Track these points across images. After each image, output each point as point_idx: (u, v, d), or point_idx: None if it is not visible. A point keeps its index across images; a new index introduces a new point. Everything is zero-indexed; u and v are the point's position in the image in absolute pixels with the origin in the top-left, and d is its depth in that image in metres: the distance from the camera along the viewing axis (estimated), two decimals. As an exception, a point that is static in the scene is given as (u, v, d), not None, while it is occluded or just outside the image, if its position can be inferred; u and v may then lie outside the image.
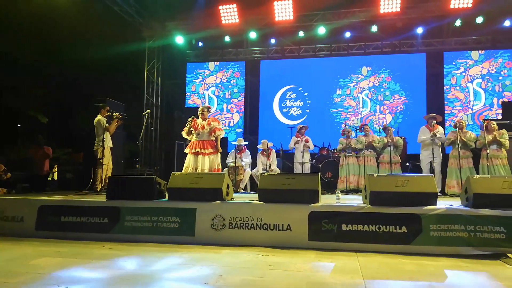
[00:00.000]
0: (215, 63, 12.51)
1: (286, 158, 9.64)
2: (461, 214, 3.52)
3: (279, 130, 11.26)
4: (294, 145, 8.29)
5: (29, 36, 14.13)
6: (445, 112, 10.73)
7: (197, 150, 6.14)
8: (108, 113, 6.88)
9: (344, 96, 11.54)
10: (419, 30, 10.76)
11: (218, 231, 3.92)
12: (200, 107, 6.62)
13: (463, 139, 6.92)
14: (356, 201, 4.44)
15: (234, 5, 10.14)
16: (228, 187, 4.39)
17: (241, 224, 3.90)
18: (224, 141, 9.51)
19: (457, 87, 10.92)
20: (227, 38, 11.52)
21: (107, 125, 6.74)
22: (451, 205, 3.80)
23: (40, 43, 14.23)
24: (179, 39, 11.33)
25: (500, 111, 10.21)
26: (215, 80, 12.47)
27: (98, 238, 4.06)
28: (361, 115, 11.36)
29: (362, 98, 11.44)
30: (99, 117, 6.78)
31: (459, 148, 6.87)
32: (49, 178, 8.40)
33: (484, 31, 10.57)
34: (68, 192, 6.49)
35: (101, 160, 6.48)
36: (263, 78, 12.23)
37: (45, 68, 14.74)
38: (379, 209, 3.68)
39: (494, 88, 10.63)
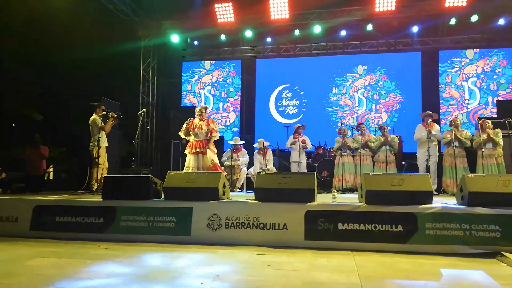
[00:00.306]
0: (211, 62, 12.49)
1: (282, 157, 9.64)
2: (456, 213, 3.53)
3: (275, 129, 11.26)
4: (291, 145, 8.30)
5: (23, 35, 14.03)
6: (441, 110, 10.78)
7: (197, 150, 6.16)
8: (103, 112, 6.85)
9: (340, 95, 11.56)
10: (415, 29, 10.80)
11: (214, 231, 3.92)
12: (198, 108, 6.61)
13: (460, 137, 6.94)
14: (352, 200, 4.44)
15: (230, 4, 10.12)
16: (224, 186, 4.39)
17: (238, 224, 3.89)
18: (221, 140, 9.49)
19: (452, 86, 10.97)
20: (222, 37, 11.51)
21: (102, 124, 6.71)
22: (446, 203, 3.81)
23: (34, 41, 14.12)
24: (175, 38, 11.30)
25: (495, 110, 10.29)
26: (211, 79, 12.44)
27: (93, 238, 4.04)
28: (357, 114, 11.39)
29: (358, 97, 11.47)
30: (94, 116, 6.75)
31: (454, 147, 6.89)
32: (45, 178, 8.35)
33: (479, 29, 10.62)
34: (63, 192, 6.46)
35: (96, 160, 6.46)
36: (259, 77, 12.22)
37: (39, 67, 14.64)
38: (375, 208, 3.68)
39: (489, 86, 10.69)
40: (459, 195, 3.85)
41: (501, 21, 10.01)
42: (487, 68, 10.77)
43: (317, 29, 10.72)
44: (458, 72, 10.96)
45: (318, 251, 3.52)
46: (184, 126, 6.31)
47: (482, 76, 10.78)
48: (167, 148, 9.61)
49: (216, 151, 6.53)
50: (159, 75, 12.20)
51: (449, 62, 11.04)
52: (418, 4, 10.06)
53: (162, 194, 4.51)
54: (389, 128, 7.98)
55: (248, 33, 11.11)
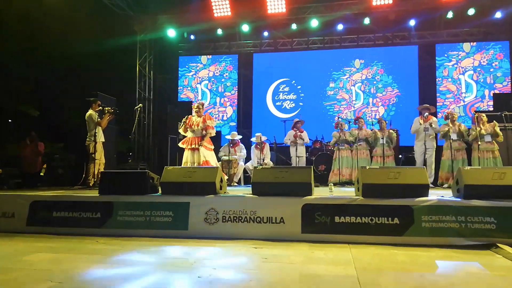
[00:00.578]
0: (208, 56, 12.44)
1: (279, 152, 9.65)
2: (452, 205, 3.55)
3: (272, 124, 11.26)
4: (290, 142, 8.30)
5: (18, 30, 13.92)
6: (437, 104, 10.79)
7: (192, 146, 6.32)
8: (100, 107, 6.82)
9: (337, 89, 11.55)
10: (412, 23, 10.78)
11: (211, 225, 3.93)
12: (196, 104, 6.74)
13: (461, 130, 6.95)
14: (349, 193, 4.46)
15: (226, -2, 10.06)
16: (221, 180, 4.39)
17: (235, 218, 3.90)
18: (218, 135, 9.50)
19: (449, 79, 10.98)
20: (219, 31, 11.44)
21: (98, 119, 6.69)
22: (442, 196, 3.83)
23: (30, 36, 14.02)
24: (171, 32, 11.23)
25: (491, 103, 10.31)
26: (208, 74, 12.41)
27: (90, 233, 4.04)
28: (354, 107, 11.39)
29: (355, 90, 11.46)
30: (90, 111, 6.72)
31: (451, 140, 6.91)
32: (41, 174, 8.32)
33: (475, 23, 10.61)
34: (60, 187, 6.46)
35: (93, 155, 6.44)
36: (256, 71, 12.19)
37: (35, 62, 14.54)
38: (372, 201, 3.70)
39: (486, 80, 10.71)
40: (455, 187, 3.87)
41: (498, 14, 9.99)
42: (483, 62, 10.78)
43: (314, 23, 10.68)
44: (455, 66, 10.96)
45: (315, 244, 3.54)
46: (182, 124, 6.46)
47: (479, 69, 10.79)
48: (164, 143, 9.60)
49: (212, 147, 6.61)
50: (155, 70, 12.14)
51: (446, 55, 11.04)
52: (415, -2, 10.04)
53: (159, 189, 4.52)
54: (386, 121, 7.99)
55: (245, 27, 11.06)
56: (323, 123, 10.90)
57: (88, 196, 4.44)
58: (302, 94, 11.75)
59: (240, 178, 8.23)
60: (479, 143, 6.63)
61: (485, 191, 3.58)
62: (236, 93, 12.23)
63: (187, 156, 6.39)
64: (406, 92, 11.13)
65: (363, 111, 11.29)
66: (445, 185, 6.95)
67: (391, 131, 7.75)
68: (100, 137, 6.71)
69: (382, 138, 7.49)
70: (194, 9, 10.74)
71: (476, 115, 7.04)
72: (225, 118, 12.17)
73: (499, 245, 3.30)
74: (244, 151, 8.49)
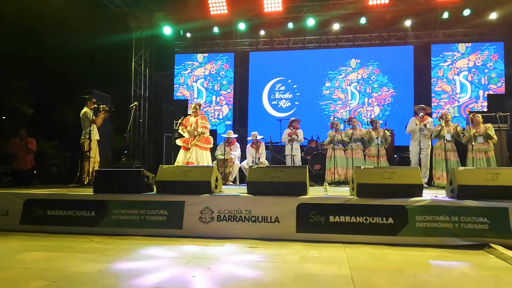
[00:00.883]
0: (204, 54, 12.41)
1: (275, 151, 9.65)
2: (446, 205, 3.58)
3: (268, 123, 11.25)
4: (288, 141, 8.30)
5: (13, 27, 13.79)
6: (432, 104, 10.84)
7: (189, 146, 6.54)
8: (95, 105, 6.79)
9: (333, 89, 11.57)
10: (407, 23, 10.81)
11: (206, 224, 3.92)
12: (193, 104, 6.90)
13: (456, 130, 6.98)
14: (344, 193, 4.47)
15: (223, -5, 10.04)
16: (216, 180, 4.39)
17: (230, 217, 3.90)
18: (213, 133, 9.49)
19: (444, 80, 11.04)
20: (215, 29, 11.44)
21: (93, 117, 6.66)
22: (436, 196, 3.85)
23: (24, 33, 13.90)
24: (167, 30, 11.19)
25: (485, 104, 10.38)
26: (204, 72, 12.37)
27: (84, 232, 4.03)
28: (349, 107, 11.42)
29: (351, 90, 11.49)
30: (85, 109, 6.69)
31: (445, 141, 6.94)
32: (36, 172, 8.25)
33: (471, 24, 10.67)
34: (54, 185, 6.42)
35: (88, 153, 6.41)
36: (252, 70, 12.18)
37: (29, 59, 14.44)
38: (366, 201, 3.72)
39: (480, 80, 10.77)
40: (449, 188, 3.90)
41: (493, 15, 10.05)
42: (478, 62, 10.84)
43: (310, 22, 10.69)
44: (450, 66, 11.02)
45: (310, 243, 3.55)
46: (179, 123, 6.68)
47: (474, 70, 10.85)
48: (160, 141, 9.57)
49: (209, 146, 6.75)
50: (151, 68, 12.11)
51: (441, 56, 11.09)
52: (411, -2, 10.07)
53: (154, 188, 4.51)
54: (381, 121, 8.01)
55: (241, 26, 11.05)
56: (318, 122, 10.92)
57: (83, 194, 4.42)
58: (298, 93, 11.76)
59: (235, 177, 8.23)
60: (473, 144, 6.66)
61: (479, 192, 3.61)
62: (232, 92, 12.21)
63: (179, 155, 6.61)
64: (402, 92, 11.18)
65: (359, 111, 11.33)
66: (437, 184, 6.97)
67: (385, 131, 7.78)
68: (95, 135, 6.68)
69: (377, 138, 7.52)
70: (191, 7, 10.71)
71: (471, 115, 7.07)
72: (221, 116, 12.15)
73: (492, 245, 3.33)
74: (239, 149, 8.48)
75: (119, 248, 3.40)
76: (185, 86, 12.39)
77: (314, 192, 4.31)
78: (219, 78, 12.30)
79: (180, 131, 6.82)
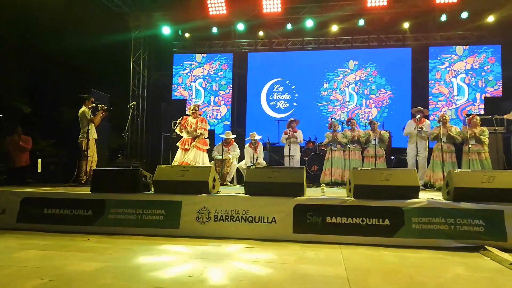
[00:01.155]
0: (203, 54, 12.41)
1: (273, 151, 9.67)
2: (442, 207, 3.60)
3: (266, 123, 11.27)
4: (285, 140, 8.31)
5: (12, 26, 13.75)
6: (430, 106, 10.88)
7: (186, 146, 6.58)
8: (93, 104, 6.77)
9: (331, 90, 11.60)
10: (406, 25, 10.84)
11: (203, 224, 3.93)
12: (192, 106, 6.91)
13: (451, 133, 7.01)
14: (341, 194, 4.48)
15: (222, -4, 10.04)
16: (214, 180, 4.40)
17: (227, 217, 3.91)
18: (212, 134, 9.50)
19: (442, 82, 11.08)
20: (214, 30, 11.44)
21: (92, 116, 6.65)
22: (432, 198, 3.87)
23: (23, 32, 13.87)
24: (166, 30, 11.18)
25: (482, 106, 10.43)
26: (202, 72, 12.38)
27: (82, 231, 4.03)
28: (347, 109, 11.45)
29: (349, 92, 11.52)
30: (83, 108, 6.67)
31: (442, 143, 6.97)
32: (29, 170, 8.19)
33: (468, 26, 10.72)
34: (52, 184, 6.41)
35: (85, 152, 6.40)
36: (251, 70, 12.19)
37: (28, 58, 14.40)
38: (363, 202, 3.74)
39: (477, 83, 10.82)
40: (445, 190, 3.92)
41: (490, 18, 10.09)
42: (476, 65, 10.89)
43: (309, 23, 10.71)
44: (448, 69, 11.06)
45: (306, 244, 3.56)
46: (177, 123, 6.66)
47: (471, 72, 10.90)
48: (158, 141, 9.57)
49: (206, 148, 6.78)
50: (149, 67, 12.11)
51: (439, 58, 11.14)
52: (410, 0, 10.09)
53: (152, 187, 4.51)
54: (378, 123, 8.03)
55: (240, 26, 11.06)
56: (316, 123, 10.94)
57: (80, 193, 4.42)
58: (296, 94, 11.78)
59: (233, 178, 8.23)
60: (469, 146, 6.70)
61: (475, 194, 3.63)
62: (231, 92, 12.22)
63: (177, 155, 6.64)
64: (399, 94, 11.21)
65: (356, 112, 11.35)
66: (436, 187, 7.00)
67: (383, 131, 7.80)
68: (93, 134, 6.67)
69: (375, 140, 7.54)
70: (190, 7, 10.71)
71: (469, 118, 7.11)
72: (219, 117, 12.15)
73: (487, 247, 3.35)
74: (237, 150, 8.48)
75: (116, 248, 3.41)
76: (183, 86, 12.39)
77: (311, 193, 4.33)
78: (217, 78, 12.31)
79: (177, 131, 6.82)
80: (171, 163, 7.16)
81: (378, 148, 7.56)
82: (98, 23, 12.14)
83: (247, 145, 8.44)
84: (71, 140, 7.00)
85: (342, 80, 11.57)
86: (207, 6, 10.12)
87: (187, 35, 11.95)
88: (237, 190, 4.78)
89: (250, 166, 4.50)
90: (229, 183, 7.94)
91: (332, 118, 9.30)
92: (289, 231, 3.75)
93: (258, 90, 12.04)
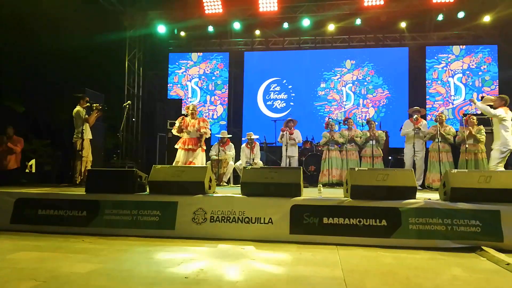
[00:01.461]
0: (198, 53, 12.36)
1: (269, 152, 9.64)
2: (439, 208, 3.59)
3: (263, 123, 11.23)
4: (281, 139, 8.30)
5: (4, 25, 13.63)
6: (427, 106, 10.89)
7: (189, 146, 6.59)
8: (88, 104, 6.73)
9: (328, 90, 11.59)
10: (403, 24, 10.85)
11: (199, 225, 3.90)
12: (191, 106, 6.93)
13: (443, 132, 7.04)
14: (338, 194, 4.47)
15: (218, -6, 10.00)
16: (210, 180, 4.37)
17: (223, 218, 3.89)
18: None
19: (439, 82, 11.10)
20: (210, 28, 11.36)
21: (86, 116, 6.60)
22: (429, 199, 3.87)
23: (16, 31, 13.74)
24: (161, 29, 11.11)
25: (479, 106, 10.43)
26: (198, 71, 12.33)
27: (76, 232, 3.99)
28: (344, 108, 11.44)
29: (346, 91, 11.52)
30: (78, 108, 6.63)
31: (439, 142, 6.98)
32: (27, 171, 8.13)
33: (465, 26, 10.75)
34: (46, 184, 6.36)
35: (80, 152, 6.35)
36: (247, 70, 12.16)
37: (21, 57, 14.27)
38: (360, 203, 3.72)
39: (474, 83, 10.85)
40: (442, 190, 3.91)
41: (487, 18, 10.12)
42: (472, 65, 10.92)
43: (305, 22, 10.69)
44: (445, 68, 11.08)
45: (303, 245, 3.54)
46: (177, 124, 6.64)
47: (468, 72, 10.93)
48: (153, 141, 9.52)
49: (205, 148, 6.79)
50: (145, 67, 12.01)
51: (436, 58, 11.16)
52: (406, -1, 10.12)
53: (147, 188, 4.48)
54: (376, 123, 8.03)
55: (237, 25, 11.01)
56: (313, 123, 10.92)
57: (75, 194, 4.37)
58: (293, 94, 11.76)
59: (229, 178, 8.20)
60: (466, 145, 6.72)
61: (471, 194, 3.62)
62: (227, 92, 12.18)
63: (179, 155, 6.58)
64: (396, 93, 11.22)
65: (354, 112, 11.35)
66: (433, 187, 7.01)
67: (380, 132, 7.80)
68: (88, 134, 6.62)
69: (372, 140, 7.54)
70: (185, 6, 10.65)
71: (466, 117, 7.12)
72: (215, 116, 12.12)
73: (483, 248, 3.34)
74: (233, 150, 8.46)
75: (111, 249, 3.38)
76: (179, 86, 12.34)
77: (308, 194, 4.31)
78: (213, 78, 12.26)
79: (175, 132, 6.75)
80: (167, 164, 7.12)
81: (376, 148, 7.57)
82: (92, 22, 12.03)
83: (243, 145, 8.41)
84: (66, 140, 6.95)
85: (339, 79, 11.57)
86: (203, 5, 10.07)
87: (182, 34, 11.86)
88: (234, 191, 4.75)
89: (246, 166, 4.47)
90: (225, 184, 7.92)
91: (329, 118, 9.28)
92: (286, 232, 3.73)
93: (254, 89, 12.01)
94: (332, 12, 10.49)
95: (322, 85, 11.62)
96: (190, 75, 12.34)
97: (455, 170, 3.86)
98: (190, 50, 12.38)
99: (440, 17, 10.36)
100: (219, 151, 7.93)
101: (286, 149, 8.04)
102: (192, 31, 11.70)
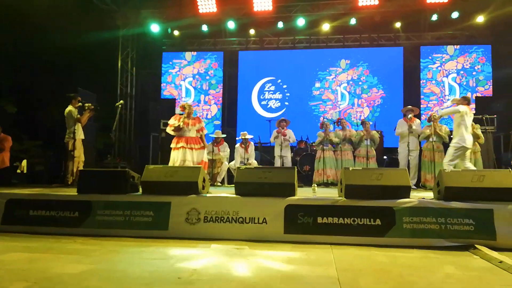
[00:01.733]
0: (192, 53, 12.30)
1: (264, 151, 9.63)
2: (432, 207, 3.59)
3: (257, 123, 11.22)
4: (274, 139, 8.29)
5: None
6: (421, 106, 10.94)
7: (196, 146, 6.55)
8: (80, 103, 6.67)
9: (323, 89, 11.60)
10: (397, 24, 10.89)
11: (192, 225, 3.87)
12: (187, 106, 6.84)
13: (439, 132, 7.05)
14: (332, 194, 4.46)
15: (212, -7, 9.97)
16: (204, 180, 4.34)
17: (217, 218, 3.86)
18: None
19: (433, 82, 11.15)
20: (204, 28, 11.32)
21: (78, 116, 6.54)
22: (423, 198, 3.87)
23: (7, 30, 13.60)
24: (154, 28, 11.05)
25: (473, 106, 10.50)
26: (192, 71, 12.27)
27: (68, 233, 3.94)
28: (339, 108, 11.46)
29: (341, 91, 11.53)
30: (70, 107, 6.56)
31: (433, 142, 7.01)
32: (19, 171, 8.04)
33: (459, 26, 10.81)
34: (38, 185, 6.29)
35: (72, 153, 6.29)
36: (242, 69, 12.13)
37: (13, 56, 14.13)
38: (354, 202, 3.71)
39: (468, 83, 10.92)
40: (436, 189, 3.92)
41: (481, 19, 10.18)
42: (466, 65, 10.98)
43: (300, 21, 10.69)
44: (439, 68, 11.14)
45: (297, 244, 3.53)
46: (177, 123, 6.49)
47: (462, 72, 10.99)
48: (146, 141, 9.47)
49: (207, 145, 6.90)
50: (138, 66, 11.94)
51: (430, 57, 11.21)
52: (401, -1, 10.16)
53: (140, 188, 4.44)
54: (370, 123, 8.05)
55: (231, 24, 10.99)
56: (308, 123, 10.92)
57: (66, 194, 4.32)
58: (288, 94, 11.76)
59: (223, 178, 8.18)
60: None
61: (465, 193, 3.63)
62: (221, 91, 12.15)
63: (184, 154, 6.41)
64: (391, 93, 11.26)
65: (348, 112, 11.37)
66: (427, 186, 7.03)
67: (374, 132, 7.82)
68: (80, 134, 6.56)
69: (366, 140, 7.55)
70: (179, 5, 10.60)
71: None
72: (209, 116, 12.07)
73: (477, 246, 3.35)
74: (228, 150, 8.44)
75: (103, 250, 3.34)
76: (172, 85, 12.27)
77: (303, 193, 4.29)
78: (207, 77, 12.22)
79: (170, 131, 6.59)
80: (160, 163, 7.07)
81: (370, 148, 7.59)
82: (85, 21, 11.95)
83: (238, 145, 8.39)
84: (58, 140, 6.88)
85: (334, 79, 11.58)
86: (197, 4, 10.04)
87: (176, 33, 11.79)
88: (228, 191, 4.73)
89: (240, 166, 4.45)
90: (219, 184, 7.89)
91: (323, 118, 9.29)
92: (280, 231, 3.71)
93: (249, 89, 11.99)
94: (326, 11, 10.51)
95: (317, 84, 11.63)
96: (184, 74, 12.27)
97: (449, 169, 3.87)
98: (184, 49, 12.32)
99: (435, 17, 10.43)
100: (213, 151, 7.90)
101: (281, 149, 8.03)
102: (186, 30, 11.65)
